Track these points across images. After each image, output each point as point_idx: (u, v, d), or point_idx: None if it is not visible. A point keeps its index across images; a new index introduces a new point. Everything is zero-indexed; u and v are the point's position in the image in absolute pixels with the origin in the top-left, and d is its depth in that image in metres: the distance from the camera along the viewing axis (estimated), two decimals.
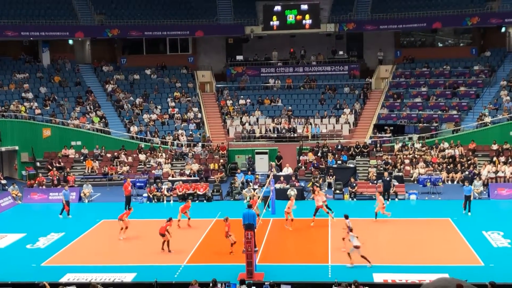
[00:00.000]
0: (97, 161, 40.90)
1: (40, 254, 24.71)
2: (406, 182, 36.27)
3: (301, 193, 34.09)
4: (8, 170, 43.33)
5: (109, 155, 41.61)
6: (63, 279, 21.25)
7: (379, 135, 43.14)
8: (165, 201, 34.74)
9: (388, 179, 33.50)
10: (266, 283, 18.95)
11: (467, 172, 36.50)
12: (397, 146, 40.94)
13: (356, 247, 21.88)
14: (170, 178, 37.72)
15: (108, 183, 39.30)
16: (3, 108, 43.22)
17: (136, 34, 49.78)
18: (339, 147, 41.49)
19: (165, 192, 34.97)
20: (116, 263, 23.30)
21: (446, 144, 40.26)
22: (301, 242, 25.23)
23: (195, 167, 39.76)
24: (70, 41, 51.08)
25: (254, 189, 33.72)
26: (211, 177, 39.08)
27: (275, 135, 44.12)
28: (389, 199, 32.71)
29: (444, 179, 36.75)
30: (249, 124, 45.21)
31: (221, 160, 41.07)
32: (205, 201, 34.47)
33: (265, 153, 41.96)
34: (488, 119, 41.32)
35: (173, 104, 47.49)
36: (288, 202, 28.18)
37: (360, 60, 52.16)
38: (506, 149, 38.88)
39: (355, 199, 33.86)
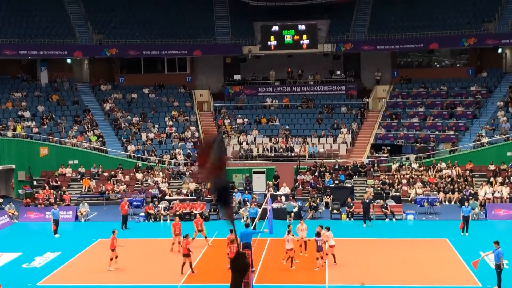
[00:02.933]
0: (94, 180, 40.83)
1: (36, 273, 24.56)
2: (404, 202, 36.21)
3: (298, 212, 34.03)
4: (5, 188, 43.24)
5: (106, 174, 41.55)
6: None
7: (376, 155, 43.18)
8: (161, 221, 34.63)
9: (367, 201, 32.83)
10: None
11: (464, 193, 36.53)
12: (394, 166, 40.95)
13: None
14: (167, 197, 37.62)
15: (105, 202, 39.21)
16: (0, 126, 43.23)
17: (134, 54, 49.95)
18: (337, 166, 41.49)
19: (162, 212, 34.86)
20: (112, 283, 23.18)
21: (443, 164, 40.30)
22: (298, 262, 25.13)
23: (192, 186, 39.71)
24: (69, 60, 51.16)
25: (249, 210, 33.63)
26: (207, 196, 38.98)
27: (273, 155, 44.13)
28: (370, 222, 32.37)
29: (442, 200, 36.73)
30: (247, 143, 45.24)
31: None
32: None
33: (262, 172, 41.91)
34: (485, 140, 41.41)
35: (170, 123, 47.54)
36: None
37: (357, 80, 52.35)
38: (503, 170, 38.92)
39: (352, 219, 33.77)
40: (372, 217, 33.40)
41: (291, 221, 27.09)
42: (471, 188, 37.27)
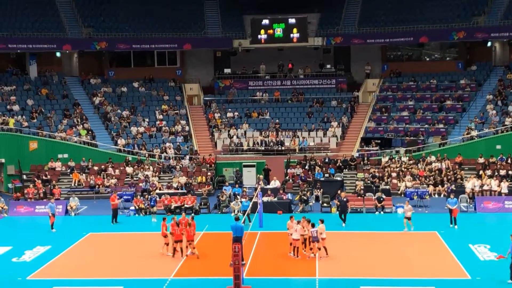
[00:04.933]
0: (84, 174, 40.71)
1: (26, 267, 24.49)
2: (393, 195, 36.32)
3: (288, 206, 34.13)
4: None
5: (96, 168, 41.43)
6: None
7: (366, 148, 43.28)
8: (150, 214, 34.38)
9: (345, 199, 31.87)
10: None
11: (445, 189, 36.57)
12: (384, 160, 41.06)
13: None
14: (157, 191, 37.57)
15: (95, 196, 39.12)
16: None
17: (124, 47, 49.80)
18: (327, 160, 41.56)
19: (151, 209, 34.35)
20: (103, 276, 23.15)
21: (433, 158, 40.44)
22: (289, 255, 25.19)
23: (183, 180, 39.67)
24: (58, 54, 50.94)
25: (242, 202, 33.64)
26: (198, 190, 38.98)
27: (263, 148, 44.15)
28: (344, 222, 30.83)
29: (431, 193, 36.86)
30: (237, 137, 45.24)
31: (209, 173, 41.00)
32: (192, 214, 34.27)
33: (253, 166, 41.94)
34: (474, 133, 41.58)
35: (160, 117, 47.45)
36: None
37: (348, 74, 52.44)
38: (492, 163, 39.11)
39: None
40: (362, 210, 33.55)
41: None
42: (461, 181, 37.38)
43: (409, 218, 29.19)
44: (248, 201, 31.67)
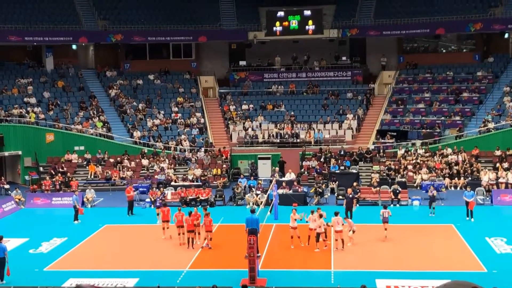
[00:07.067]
0: (100, 166, 40.92)
1: (43, 259, 24.72)
2: (409, 188, 36.19)
3: (303, 198, 34.12)
4: (11, 175, 43.36)
5: (112, 160, 41.62)
6: (66, 284, 21.29)
7: (382, 140, 43.11)
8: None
9: (351, 196, 30.48)
10: None
11: (469, 179, 36.37)
12: (400, 152, 40.89)
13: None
14: (172, 183, 37.69)
15: (111, 188, 39.32)
16: (6, 113, 43.32)
17: (139, 40, 49.87)
18: (342, 152, 41.44)
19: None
20: (118, 268, 23.30)
21: (449, 150, 40.21)
22: (304, 248, 25.21)
23: (198, 172, 39.75)
24: (74, 46, 51.10)
25: (257, 195, 33.70)
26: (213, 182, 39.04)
27: (278, 141, 44.12)
28: (351, 218, 29.26)
29: (447, 185, 36.67)
30: (252, 129, 45.22)
31: (224, 165, 41.05)
32: (208, 206, 34.35)
33: (268, 158, 41.92)
34: (491, 125, 41.28)
35: (176, 109, 47.54)
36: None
37: (363, 66, 52.13)
38: (509, 155, 38.82)
39: (358, 205, 33.69)
40: (378, 202, 33.49)
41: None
42: (478, 173, 37.12)
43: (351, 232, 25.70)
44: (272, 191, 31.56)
